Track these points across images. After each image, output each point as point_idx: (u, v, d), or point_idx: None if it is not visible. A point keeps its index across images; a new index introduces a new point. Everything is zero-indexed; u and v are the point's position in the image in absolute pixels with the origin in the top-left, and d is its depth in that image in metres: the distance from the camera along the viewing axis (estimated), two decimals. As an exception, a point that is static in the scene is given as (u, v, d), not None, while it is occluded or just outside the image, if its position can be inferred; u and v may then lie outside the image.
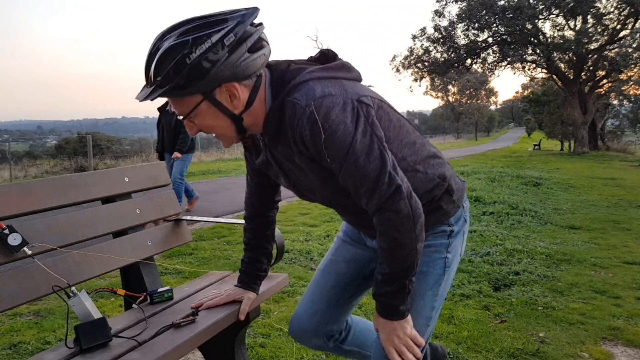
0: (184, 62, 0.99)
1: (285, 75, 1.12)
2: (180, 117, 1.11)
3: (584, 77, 25.25)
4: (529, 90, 40.05)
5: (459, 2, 24.59)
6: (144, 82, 1.09)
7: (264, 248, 1.58)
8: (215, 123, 1.10)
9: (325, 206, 1.36)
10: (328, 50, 1.22)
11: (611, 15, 23.20)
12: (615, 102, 32.56)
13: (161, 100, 6.00)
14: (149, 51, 1.05)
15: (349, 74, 1.18)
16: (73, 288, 1.45)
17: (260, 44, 1.07)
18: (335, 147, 1.07)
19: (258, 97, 1.11)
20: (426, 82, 37.45)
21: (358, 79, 1.21)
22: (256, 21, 1.08)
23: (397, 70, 28.94)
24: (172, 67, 1.00)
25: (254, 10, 1.07)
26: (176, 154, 6.29)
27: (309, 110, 1.05)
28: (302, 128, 1.06)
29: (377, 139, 1.09)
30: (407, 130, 1.25)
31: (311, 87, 1.08)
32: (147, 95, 1.04)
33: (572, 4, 22.25)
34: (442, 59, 26.56)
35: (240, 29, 1.02)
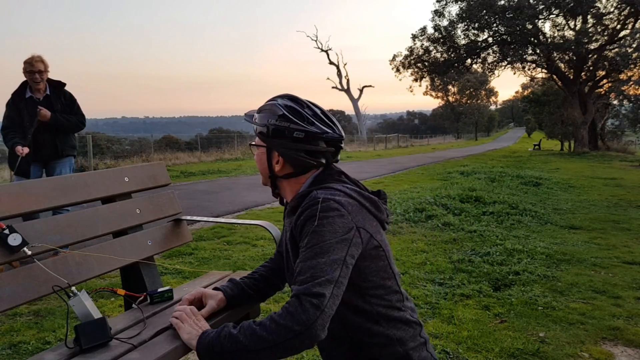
0: (270, 121, 1.34)
1: (328, 178, 1.35)
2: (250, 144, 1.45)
3: (584, 77, 25.25)
4: (529, 90, 40.05)
5: (459, 2, 24.59)
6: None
7: (268, 284, 1.56)
8: (259, 165, 1.43)
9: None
10: (383, 193, 1.42)
11: (611, 15, 23.19)
12: (615, 102, 32.52)
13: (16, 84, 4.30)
14: (267, 101, 1.40)
15: (375, 210, 1.32)
16: (73, 288, 1.45)
17: (318, 160, 1.34)
18: (315, 236, 1.19)
19: (298, 179, 1.37)
20: (426, 82, 37.38)
21: (380, 220, 1.34)
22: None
23: (397, 70, 28.97)
24: (267, 115, 1.35)
25: (339, 139, 1.36)
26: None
27: (318, 201, 1.23)
28: (305, 210, 1.24)
29: (345, 256, 1.18)
30: (389, 287, 1.31)
31: (335, 192, 1.28)
32: (249, 118, 1.43)
33: (572, 4, 22.23)
34: (442, 59, 26.56)
35: (311, 136, 1.31)
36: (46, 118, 4.12)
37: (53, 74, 4.34)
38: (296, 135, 1.31)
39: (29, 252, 1.50)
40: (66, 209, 2.89)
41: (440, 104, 75.50)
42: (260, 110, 1.39)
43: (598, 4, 22.64)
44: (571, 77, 25.22)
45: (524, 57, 25.34)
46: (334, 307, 1.15)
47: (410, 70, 28.59)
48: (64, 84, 4.37)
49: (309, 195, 1.29)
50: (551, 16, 24.12)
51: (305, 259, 1.18)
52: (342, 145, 1.38)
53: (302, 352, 1.12)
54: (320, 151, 1.34)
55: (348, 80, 39.23)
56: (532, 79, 30.95)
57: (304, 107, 1.35)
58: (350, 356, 1.31)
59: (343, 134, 1.38)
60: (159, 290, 1.75)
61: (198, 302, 1.50)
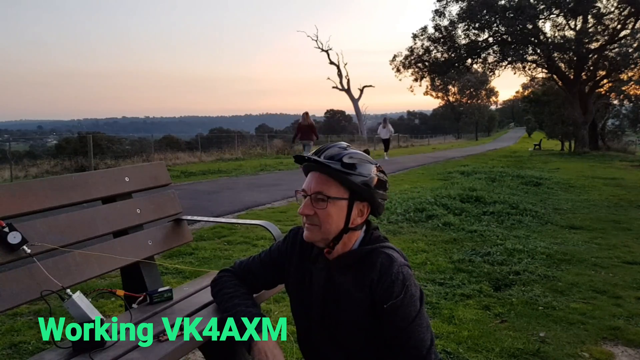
0: (378, 173, 1.32)
1: (375, 233, 1.37)
2: (312, 194, 1.28)
3: (584, 77, 25.23)
4: (529, 90, 40.01)
5: (460, 2, 24.58)
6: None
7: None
8: (333, 219, 1.29)
9: (321, 339, 1.41)
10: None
11: (611, 15, 23.17)
12: (615, 102, 32.53)
13: None
14: (340, 144, 1.33)
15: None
16: (68, 290, 1.44)
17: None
18: (408, 309, 1.26)
19: (354, 233, 1.34)
20: (426, 82, 37.34)
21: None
22: None
23: (398, 70, 28.93)
24: (371, 166, 1.30)
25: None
26: None
27: (397, 267, 1.27)
28: (389, 278, 1.26)
29: (428, 320, 1.32)
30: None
31: (398, 254, 1.33)
32: (315, 159, 1.27)
33: (572, 4, 22.22)
34: (443, 59, 26.54)
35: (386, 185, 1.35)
36: None
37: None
38: (387, 185, 1.37)
39: (29, 251, 1.50)
40: None
41: (441, 104, 75.46)
42: (356, 165, 1.28)
43: (598, 4, 22.63)
44: (571, 77, 25.20)
45: (525, 57, 25.31)
46: None
47: (410, 70, 28.56)
48: None
49: (378, 253, 1.31)
50: (552, 16, 24.10)
51: (411, 335, 1.26)
52: None
53: None
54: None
55: (348, 80, 39.32)
56: (533, 79, 30.94)
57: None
58: None
59: None
60: (159, 290, 1.75)
61: None
